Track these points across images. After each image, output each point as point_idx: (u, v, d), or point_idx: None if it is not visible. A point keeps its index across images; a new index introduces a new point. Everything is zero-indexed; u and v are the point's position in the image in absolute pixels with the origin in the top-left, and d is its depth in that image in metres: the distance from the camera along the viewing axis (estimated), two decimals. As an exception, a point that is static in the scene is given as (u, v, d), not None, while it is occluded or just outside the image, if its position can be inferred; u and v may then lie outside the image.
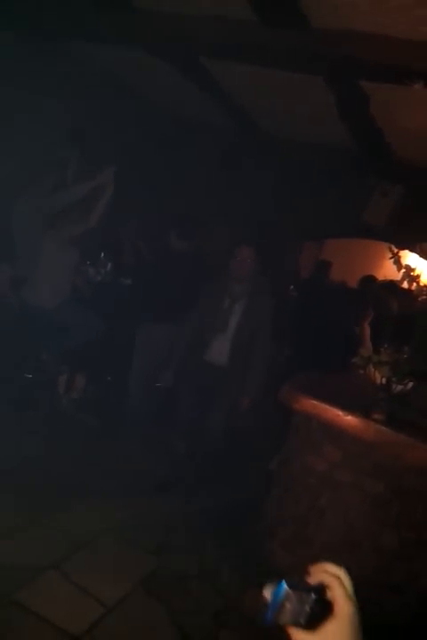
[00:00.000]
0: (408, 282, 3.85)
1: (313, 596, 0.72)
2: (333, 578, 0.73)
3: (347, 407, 2.80)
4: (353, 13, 3.09)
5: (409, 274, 3.56)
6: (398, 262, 3.60)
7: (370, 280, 5.62)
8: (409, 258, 5.16)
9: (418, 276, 3.77)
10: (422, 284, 3.93)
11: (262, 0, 3.20)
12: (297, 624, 0.72)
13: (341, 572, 0.74)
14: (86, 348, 4.62)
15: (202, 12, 3.57)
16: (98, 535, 3.18)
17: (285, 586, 0.72)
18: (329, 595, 0.73)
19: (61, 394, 4.86)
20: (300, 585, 0.73)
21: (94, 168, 4.41)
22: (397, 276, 4.17)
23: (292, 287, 6.23)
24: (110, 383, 5.22)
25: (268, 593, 0.73)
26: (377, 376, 2.92)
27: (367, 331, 4.09)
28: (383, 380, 2.91)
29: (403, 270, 3.56)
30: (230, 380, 3.82)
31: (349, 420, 2.76)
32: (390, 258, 3.59)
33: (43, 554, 2.88)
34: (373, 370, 2.93)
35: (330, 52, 3.50)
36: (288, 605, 0.71)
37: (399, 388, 2.90)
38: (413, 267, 3.81)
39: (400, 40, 3.18)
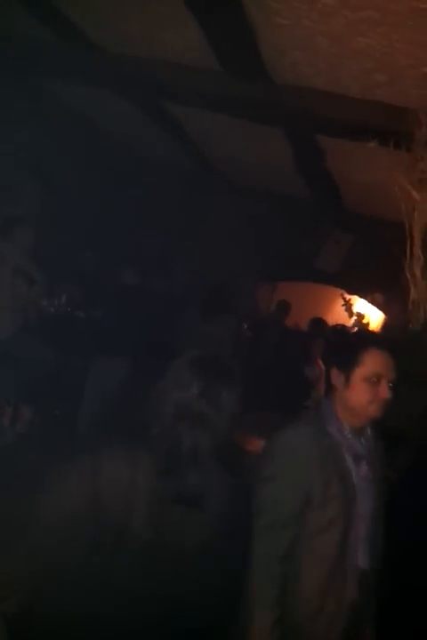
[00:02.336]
0: (358, 328, 3.98)
1: None
2: None
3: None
4: (314, 73, 3.22)
5: (360, 321, 3.68)
6: (349, 309, 3.72)
7: (319, 322, 5.76)
8: (358, 303, 5.34)
9: (367, 323, 3.91)
10: (370, 330, 4.06)
11: (226, 51, 3.26)
12: None
13: None
14: (35, 380, 4.48)
15: (165, 57, 3.61)
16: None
17: None
18: None
19: (6, 426, 4.67)
20: None
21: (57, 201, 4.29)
22: (346, 318, 4.31)
23: (246, 326, 6.29)
24: (58, 417, 5.06)
25: None
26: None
27: (322, 370, 4.16)
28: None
29: (354, 317, 3.68)
30: None
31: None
32: (343, 305, 3.70)
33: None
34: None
35: (289, 107, 3.62)
36: None
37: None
38: (363, 314, 3.95)
39: (357, 100, 3.35)
